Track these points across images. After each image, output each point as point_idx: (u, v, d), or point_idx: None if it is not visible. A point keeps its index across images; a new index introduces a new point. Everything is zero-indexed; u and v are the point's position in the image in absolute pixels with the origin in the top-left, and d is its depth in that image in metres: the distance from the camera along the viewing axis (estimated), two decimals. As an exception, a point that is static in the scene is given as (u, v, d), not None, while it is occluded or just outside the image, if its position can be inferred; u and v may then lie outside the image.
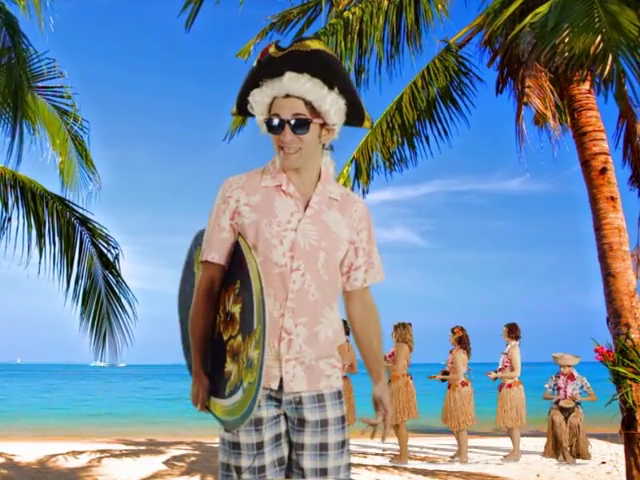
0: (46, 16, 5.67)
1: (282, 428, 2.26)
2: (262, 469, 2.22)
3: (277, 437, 2.25)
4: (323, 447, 2.22)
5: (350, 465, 2.31)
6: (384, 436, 2.41)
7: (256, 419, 2.21)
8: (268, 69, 2.23)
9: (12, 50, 5.06)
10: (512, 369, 9.05)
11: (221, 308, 2.28)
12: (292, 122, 2.19)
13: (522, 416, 8.96)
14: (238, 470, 2.23)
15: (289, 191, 2.25)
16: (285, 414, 2.26)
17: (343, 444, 2.26)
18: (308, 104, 2.20)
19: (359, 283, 2.36)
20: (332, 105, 2.22)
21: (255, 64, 2.28)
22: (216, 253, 2.30)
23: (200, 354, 2.31)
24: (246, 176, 2.32)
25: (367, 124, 2.43)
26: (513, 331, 9.15)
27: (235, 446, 2.23)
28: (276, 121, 2.21)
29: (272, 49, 2.24)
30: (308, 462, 2.22)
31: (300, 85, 2.19)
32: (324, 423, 2.22)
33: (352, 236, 2.32)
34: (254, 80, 2.26)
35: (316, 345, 2.23)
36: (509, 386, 9.06)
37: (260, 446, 2.21)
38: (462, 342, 9.07)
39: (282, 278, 2.19)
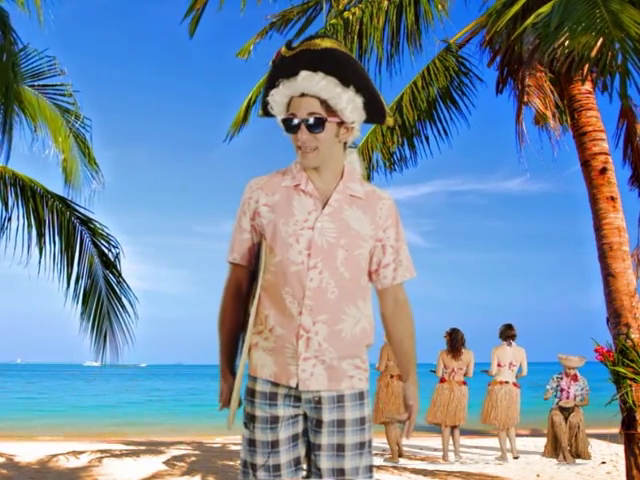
0: (46, 12, 5.65)
1: (300, 428, 2.26)
2: (277, 468, 2.23)
3: (294, 437, 2.25)
4: (340, 448, 2.20)
5: (372, 467, 2.27)
6: (407, 433, 2.37)
7: (272, 417, 2.23)
8: (283, 69, 2.24)
9: (2, 46, 5.04)
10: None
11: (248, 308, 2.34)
12: (308, 121, 2.19)
13: (489, 415, 9.02)
14: (253, 467, 2.25)
15: (308, 190, 2.25)
16: (305, 414, 2.25)
17: (362, 445, 2.23)
18: (323, 103, 2.20)
19: (388, 281, 2.32)
20: (348, 103, 2.21)
21: (271, 65, 2.30)
22: (237, 254, 2.35)
23: (226, 353, 2.37)
24: (267, 177, 2.34)
25: (390, 121, 2.42)
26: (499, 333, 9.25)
27: (251, 443, 2.26)
28: (292, 121, 2.21)
29: (283, 49, 2.25)
30: (325, 462, 2.20)
31: (314, 84, 2.19)
32: (341, 423, 2.21)
33: (378, 234, 2.29)
34: (272, 80, 2.28)
35: (339, 343, 2.21)
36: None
37: (275, 444, 2.22)
38: (447, 344, 9.22)
39: (299, 276, 2.19)
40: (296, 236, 2.21)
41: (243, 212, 2.33)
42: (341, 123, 2.24)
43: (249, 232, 2.33)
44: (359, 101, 2.24)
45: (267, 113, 2.34)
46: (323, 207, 2.24)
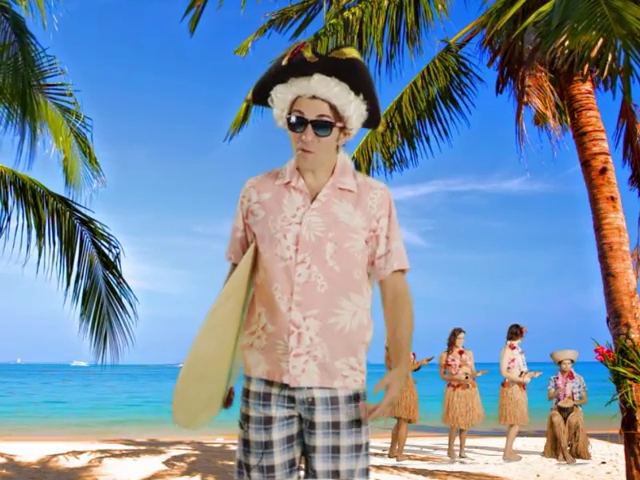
0: (49, 16, 5.65)
1: (295, 430, 2.25)
2: (271, 469, 2.22)
3: (289, 438, 2.24)
4: (335, 449, 2.19)
5: (368, 470, 2.25)
6: (366, 416, 2.18)
7: (266, 417, 2.23)
8: (299, 69, 2.23)
9: (19, 50, 5.06)
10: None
11: None
12: (316, 123, 2.20)
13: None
14: (247, 468, 2.25)
15: (298, 186, 2.27)
16: (300, 416, 2.24)
17: (359, 448, 2.21)
18: (333, 108, 2.21)
19: (383, 272, 2.29)
20: (355, 111, 2.23)
21: (285, 62, 2.26)
22: (232, 253, 2.40)
23: None
24: (262, 176, 2.37)
25: (381, 128, 2.46)
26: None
27: (245, 443, 2.27)
28: (299, 119, 2.21)
29: (308, 54, 2.23)
30: (320, 464, 2.19)
31: (329, 89, 2.19)
32: (335, 425, 2.19)
33: (372, 224, 2.27)
34: (280, 76, 2.26)
35: (332, 337, 2.20)
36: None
37: (269, 445, 2.22)
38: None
39: (287, 272, 2.20)
40: (284, 232, 2.22)
41: (238, 211, 2.37)
42: (342, 128, 2.26)
43: (242, 231, 2.37)
44: (364, 109, 2.27)
45: (257, 101, 2.34)
46: (311, 202, 2.26)
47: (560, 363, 8.98)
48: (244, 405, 2.29)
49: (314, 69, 2.21)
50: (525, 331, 9.24)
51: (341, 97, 2.20)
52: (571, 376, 8.89)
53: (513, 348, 9.18)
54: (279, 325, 2.20)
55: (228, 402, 2.41)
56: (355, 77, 2.23)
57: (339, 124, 2.23)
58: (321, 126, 2.20)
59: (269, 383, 2.24)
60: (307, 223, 2.22)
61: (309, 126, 2.20)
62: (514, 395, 9.00)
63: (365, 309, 2.28)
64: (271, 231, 2.24)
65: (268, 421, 2.22)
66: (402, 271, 2.32)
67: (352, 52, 2.24)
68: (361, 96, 2.24)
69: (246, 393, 2.29)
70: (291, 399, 2.22)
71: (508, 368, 9.07)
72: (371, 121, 2.35)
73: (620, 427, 5.40)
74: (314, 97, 2.20)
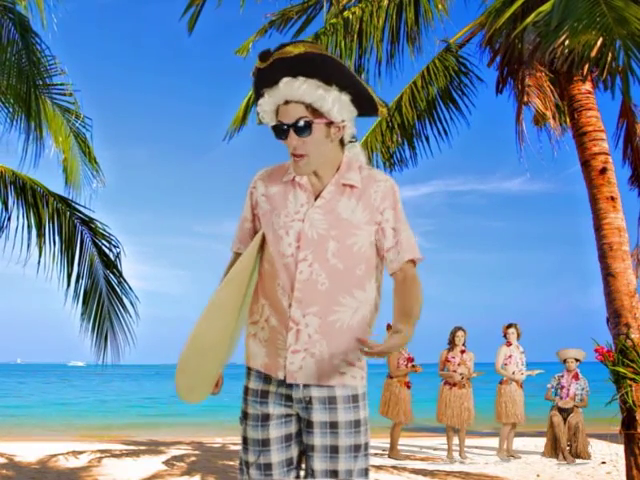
0: (49, 16, 5.66)
1: (293, 429, 2.26)
2: (268, 467, 2.23)
3: (287, 437, 2.25)
4: (333, 449, 2.19)
5: (367, 470, 2.24)
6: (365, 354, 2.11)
7: (263, 414, 2.24)
8: (263, 80, 2.23)
9: (22, 49, 5.05)
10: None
11: None
12: (294, 126, 2.18)
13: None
14: (246, 465, 2.27)
15: (303, 183, 2.27)
16: (298, 415, 2.25)
17: (357, 448, 2.21)
18: (309, 107, 2.18)
19: (394, 264, 2.25)
20: (334, 103, 2.18)
21: (251, 77, 2.28)
22: (240, 243, 2.41)
23: None
24: (272, 168, 2.38)
25: (383, 111, 2.39)
26: None
27: (244, 441, 2.29)
28: (280, 127, 2.21)
29: (257, 61, 2.22)
30: (318, 464, 2.20)
31: (295, 89, 2.17)
32: (334, 425, 2.19)
33: (376, 217, 2.25)
34: (256, 91, 2.28)
35: (332, 334, 2.19)
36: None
37: (266, 443, 2.23)
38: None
39: (288, 269, 2.21)
40: (286, 228, 2.23)
41: (247, 202, 2.38)
42: (330, 123, 2.22)
43: (251, 221, 2.38)
44: (345, 99, 2.22)
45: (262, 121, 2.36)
46: (315, 199, 2.25)
47: (565, 362, 8.97)
48: (243, 403, 2.31)
49: (277, 75, 2.18)
50: (504, 330, 9.24)
51: (311, 93, 2.16)
52: (576, 377, 8.88)
53: (509, 345, 9.18)
54: (280, 320, 2.22)
55: (216, 387, 2.40)
56: (319, 70, 2.18)
57: (319, 120, 2.19)
58: (300, 128, 2.18)
59: (267, 381, 2.25)
60: (310, 220, 2.22)
61: (290, 131, 2.19)
62: (512, 393, 8.99)
63: (369, 304, 2.26)
64: (274, 227, 2.25)
65: (265, 418, 2.24)
66: (412, 262, 2.27)
67: (299, 47, 2.18)
68: (335, 86, 2.19)
69: (245, 391, 2.31)
70: (288, 397, 2.23)
71: (505, 364, 9.07)
72: (366, 107, 2.29)
73: (620, 427, 5.40)
74: (287, 102, 2.19)
